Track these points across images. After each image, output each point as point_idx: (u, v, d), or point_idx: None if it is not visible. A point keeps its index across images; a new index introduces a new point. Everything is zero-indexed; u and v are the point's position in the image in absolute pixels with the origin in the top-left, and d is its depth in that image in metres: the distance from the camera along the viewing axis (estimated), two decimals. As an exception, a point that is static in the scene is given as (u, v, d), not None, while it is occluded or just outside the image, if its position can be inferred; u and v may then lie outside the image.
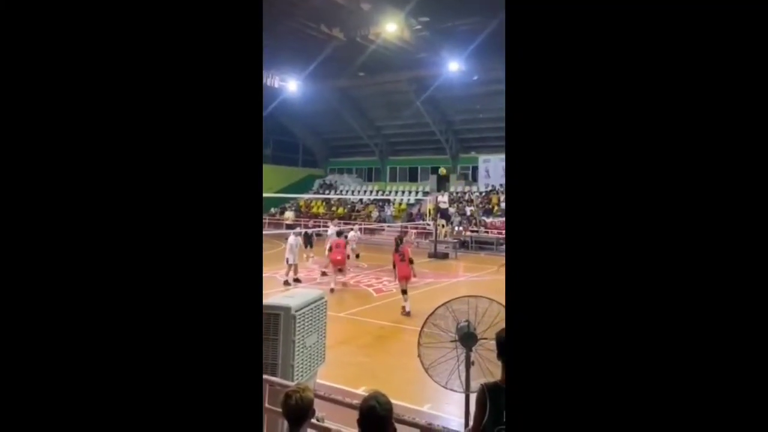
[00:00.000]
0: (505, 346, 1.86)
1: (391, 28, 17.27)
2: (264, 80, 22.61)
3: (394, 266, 8.92)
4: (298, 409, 1.96)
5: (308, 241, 15.88)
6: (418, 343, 3.01)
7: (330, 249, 10.80)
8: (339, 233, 12.17)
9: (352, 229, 15.06)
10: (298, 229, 15.47)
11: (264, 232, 20.64)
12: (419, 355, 2.99)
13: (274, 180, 26.33)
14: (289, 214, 24.08)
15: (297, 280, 11.44)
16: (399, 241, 9.29)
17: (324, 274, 12.12)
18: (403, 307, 8.39)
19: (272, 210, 26.90)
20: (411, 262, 8.65)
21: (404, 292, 8.50)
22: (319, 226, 21.66)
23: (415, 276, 8.96)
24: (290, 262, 11.26)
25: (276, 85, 23.37)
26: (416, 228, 16.25)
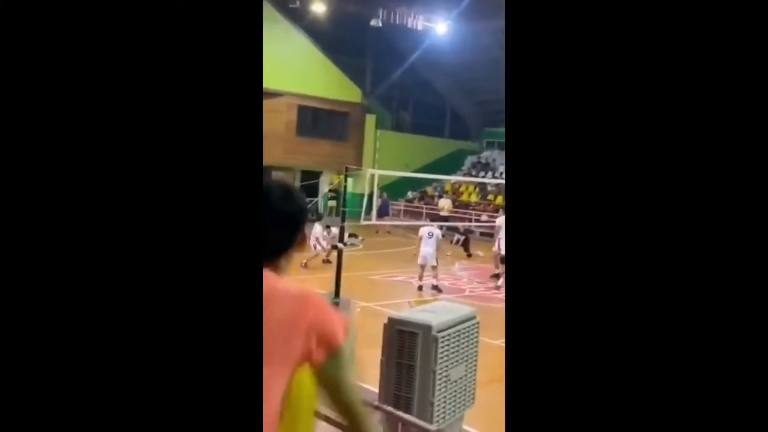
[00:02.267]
0: None
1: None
2: (404, 21, 22.65)
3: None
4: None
5: (466, 245, 16.03)
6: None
7: None
8: None
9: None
10: (440, 224, 15.30)
11: (399, 222, 21.27)
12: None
13: (413, 154, 26.11)
14: (445, 203, 23.20)
15: (436, 288, 11.40)
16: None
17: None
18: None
19: (409, 194, 26.70)
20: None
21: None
22: (479, 222, 21.10)
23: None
24: (431, 263, 11.36)
25: (419, 28, 23.10)
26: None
